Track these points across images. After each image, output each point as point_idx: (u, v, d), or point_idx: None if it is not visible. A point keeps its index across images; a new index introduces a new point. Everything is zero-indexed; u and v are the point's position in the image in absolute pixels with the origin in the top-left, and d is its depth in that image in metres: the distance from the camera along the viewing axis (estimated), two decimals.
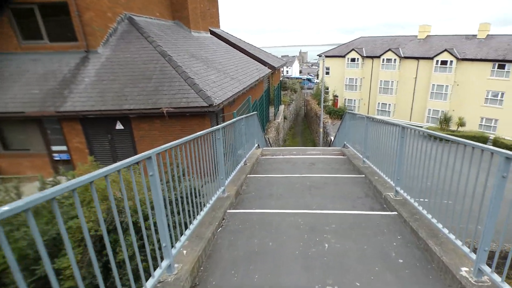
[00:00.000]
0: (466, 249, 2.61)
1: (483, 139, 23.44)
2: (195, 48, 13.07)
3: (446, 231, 2.91)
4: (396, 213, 4.01)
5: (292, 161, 7.42)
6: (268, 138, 13.29)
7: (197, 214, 3.26)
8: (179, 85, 9.90)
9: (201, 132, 3.41)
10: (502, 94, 28.16)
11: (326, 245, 3.28)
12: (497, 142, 22.53)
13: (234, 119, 5.58)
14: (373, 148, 5.80)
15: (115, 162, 1.89)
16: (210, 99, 9.51)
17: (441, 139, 3.14)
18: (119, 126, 9.43)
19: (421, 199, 3.56)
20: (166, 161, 2.65)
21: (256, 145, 8.46)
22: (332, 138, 12.49)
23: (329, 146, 14.63)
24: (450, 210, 2.90)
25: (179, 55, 10.67)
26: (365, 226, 3.70)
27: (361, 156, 6.69)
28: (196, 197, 3.19)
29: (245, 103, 12.05)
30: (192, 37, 14.50)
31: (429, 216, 3.27)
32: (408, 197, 3.90)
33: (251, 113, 7.70)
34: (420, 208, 3.50)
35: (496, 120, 29.03)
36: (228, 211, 4.17)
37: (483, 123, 30.02)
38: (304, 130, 31.23)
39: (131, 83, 9.15)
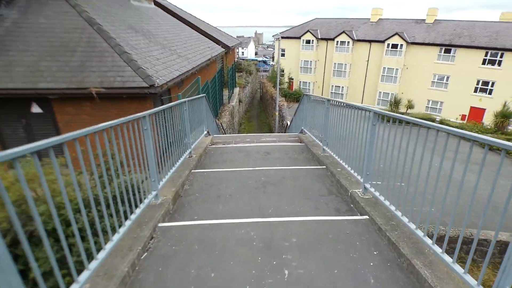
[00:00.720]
0: (471, 281, 1.96)
1: (430, 121, 24.65)
2: (134, 19, 11.43)
3: (438, 249, 2.27)
4: (367, 217, 3.35)
5: (245, 150, 6.57)
6: (221, 123, 12.30)
7: (107, 241, 2.27)
8: (112, 60, 8.45)
9: (108, 123, 2.38)
10: (448, 77, 29.79)
11: (286, 271, 2.49)
12: (442, 124, 23.78)
13: (172, 103, 4.54)
14: (334, 135, 5.12)
15: None
16: (151, 79, 8.25)
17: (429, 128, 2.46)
18: (36, 109, 7.81)
19: (396, 200, 2.92)
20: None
21: (205, 132, 7.47)
22: (288, 123, 11.86)
23: (285, 130, 14.05)
24: (438, 217, 2.25)
25: (113, 25, 9.10)
26: (333, 237, 2.98)
27: (320, 144, 6.05)
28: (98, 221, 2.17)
29: (193, 84, 10.85)
30: (131, 6, 12.73)
31: (412, 226, 2.62)
32: (382, 198, 3.25)
33: (197, 96, 6.65)
34: (399, 214, 2.85)
35: (441, 103, 30.80)
36: (160, 225, 3.21)
37: (430, 105, 31.74)
38: (260, 113, 30.58)
39: (49, 56, 7.53)
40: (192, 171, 5.09)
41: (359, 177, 3.95)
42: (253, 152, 6.45)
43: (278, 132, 16.79)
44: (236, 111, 20.08)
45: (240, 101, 22.87)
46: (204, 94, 7.25)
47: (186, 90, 9.73)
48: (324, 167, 5.18)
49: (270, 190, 4.30)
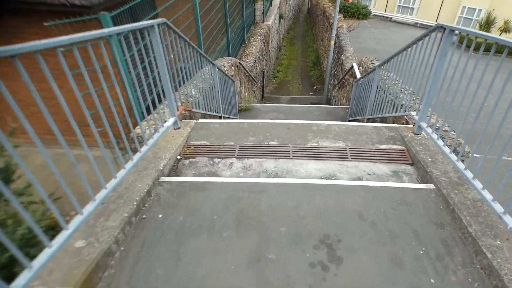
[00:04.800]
0: None
1: None
2: None
3: None
4: None
5: (258, 218, 2.05)
6: (240, 63, 7.32)
7: None
8: None
9: None
10: None
11: None
12: None
13: None
14: None
15: None
16: None
17: None
18: None
19: None
20: None
21: (173, 120, 2.92)
22: (356, 70, 6.48)
23: (343, 77, 8.70)
24: None
25: None
26: None
27: None
28: None
29: None
30: None
31: None
32: None
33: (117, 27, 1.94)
34: None
35: None
36: None
37: None
38: (306, 32, 23.89)
39: None
40: None
41: None
42: (280, 229, 1.93)
43: (331, 76, 11.07)
44: (273, 33, 14.40)
45: (281, 17, 16.77)
46: (159, 21, 2.47)
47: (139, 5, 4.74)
48: None
49: None
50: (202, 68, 4.11)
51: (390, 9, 28.71)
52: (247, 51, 9.42)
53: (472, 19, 24.86)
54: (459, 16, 25.87)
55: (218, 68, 4.64)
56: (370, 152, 2.88)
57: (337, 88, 9.89)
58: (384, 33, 23.48)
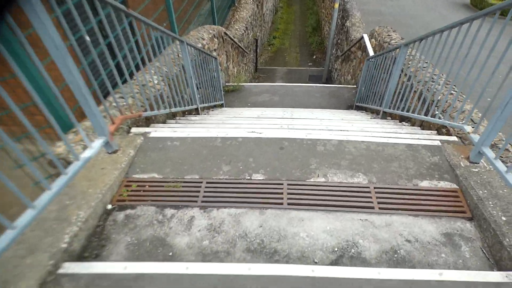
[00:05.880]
0: None
1: None
2: None
3: None
4: None
5: None
6: (226, 32, 5.99)
7: None
8: None
9: None
10: None
11: None
12: None
13: None
14: None
15: None
16: None
17: None
18: None
19: None
20: None
21: (100, 143, 1.86)
22: (367, 44, 5.18)
23: (349, 46, 7.40)
24: None
25: None
26: None
27: None
28: None
29: None
30: None
31: None
32: None
33: None
34: None
35: None
36: None
37: None
38: None
39: None
40: None
41: None
42: None
43: (334, 46, 9.55)
44: None
45: None
46: None
47: None
48: None
49: None
50: (169, 44, 2.94)
51: None
52: (237, 16, 7.99)
53: None
54: None
55: (189, 44, 3.45)
56: (407, 194, 1.88)
57: (340, 60, 8.62)
58: None
